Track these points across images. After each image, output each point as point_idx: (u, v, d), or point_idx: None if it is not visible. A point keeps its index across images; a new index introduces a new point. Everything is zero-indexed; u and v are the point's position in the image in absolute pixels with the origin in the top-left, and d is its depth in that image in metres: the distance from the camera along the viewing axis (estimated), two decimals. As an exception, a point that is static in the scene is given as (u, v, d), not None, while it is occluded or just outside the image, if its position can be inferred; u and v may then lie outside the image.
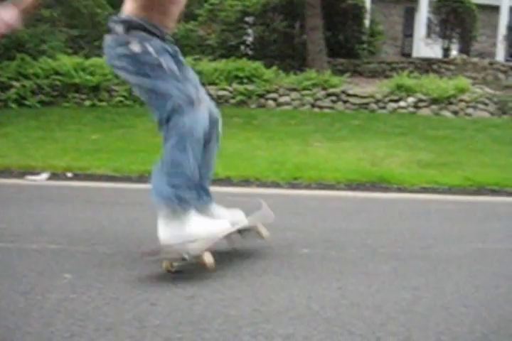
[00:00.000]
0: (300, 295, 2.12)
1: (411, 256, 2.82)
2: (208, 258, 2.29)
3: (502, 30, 17.06)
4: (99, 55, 10.23)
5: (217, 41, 14.13)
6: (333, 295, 2.14)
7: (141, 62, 2.43)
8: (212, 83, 10.71)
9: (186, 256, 2.25)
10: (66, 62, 10.37)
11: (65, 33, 12.64)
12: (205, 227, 2.41)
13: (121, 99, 10.18)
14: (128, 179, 5.52)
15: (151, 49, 2.42)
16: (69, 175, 5.57)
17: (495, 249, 3.11)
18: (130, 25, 2.45)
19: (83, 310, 1.92)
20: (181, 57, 2.63)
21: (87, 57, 11.02)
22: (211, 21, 14.90)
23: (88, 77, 10.13)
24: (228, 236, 2.56)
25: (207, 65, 11.21)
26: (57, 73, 10.20)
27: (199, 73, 10.75)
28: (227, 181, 5.58)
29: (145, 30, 2.45)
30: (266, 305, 2.00)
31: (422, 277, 2.43)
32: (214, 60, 12.11)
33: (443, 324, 1.88)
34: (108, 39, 2.50)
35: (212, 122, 2.63)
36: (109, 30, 2.51)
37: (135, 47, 2.42)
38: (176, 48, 2.60)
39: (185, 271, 2.40)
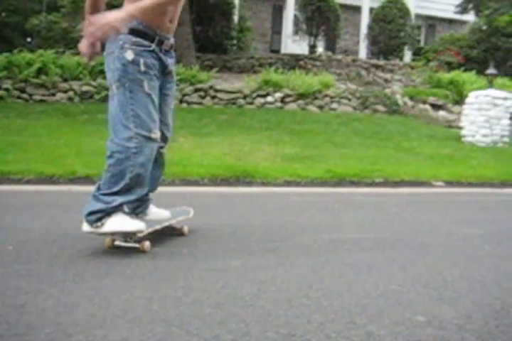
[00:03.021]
0: (142, 296, 2.04)
1: (263, 250, 2.82)
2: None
3: (363, 29, 17.88)
4: None
5: (82, 34, 13.56)
6: (177, 294, 2.07)
7: (126, 71, 2.57)
8: (76, 78, 10.28)
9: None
10: None
11: None
12: (121, 223, 2.60)
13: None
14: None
15: (142, 63, 2.59)
16: None
17: (346, 238, 3.20)
18: (130, 29, 2.57)
19: None
20: (170, 75, 2.83)
21: None
22: (75, 13, 14.30)
23: None
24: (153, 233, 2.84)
25: (70, 58, 10.74)
26: None
27: (61, 67, 10.32)
28: (87, 180, 5.34)
29: (143, 35, 2.60)
30: (103, 310, 1.89)
31: (270, 270, 2.43)
32: (78, 53, 11.62)
33: (283, 317, 1.88)
34: (111, 37, 2.58)
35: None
36: None
37: (129, 56, 2.57)
38: (171, 61, 2.79)
39: (22, 276, 2.23)
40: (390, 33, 16.75)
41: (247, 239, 3.08)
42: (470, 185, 6.47)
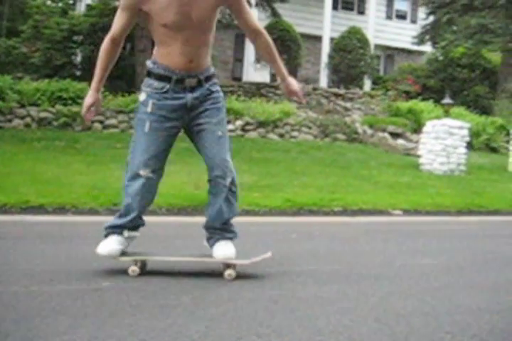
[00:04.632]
0: (84, 336, 1.96)
1: (214, 284, 2.76)
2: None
3: (324, 58, 18.18)
4: None
5: (42, 60, 13.45)
6: (122, 333, 2.00)
7: (138, 110, 2.87)
8: (34, 104, 10.14)
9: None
10: None
11: None
12: (103, 245, 2.89)
13: None
14: None
15: (150, 105, 2.79)
16: None
17: (300, 271, 3.17)
18: (148, 72, 2.84)
19: None
20: (201, 107, 2.86)
21: None
22: (35, 39, 14.19)
23: None
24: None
25: (28, 84, 10.61)
26: None
27: (19, 93, 10.17)
28: (41, 209, 5.22)
29: (157, 76, 2.79)
30: (42, 352, 1.81)
31: (221, 306, 2.38)
32: (38, 79, 11.51)
33: (231, 357, 1.83)
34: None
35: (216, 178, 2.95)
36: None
37: (141, 97, 2.85)
38: (193, 95, 2.83)
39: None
40: (350, 63, 17.08)
41: (199, 273, 3.02)
42: (427, 213, 6.55)
